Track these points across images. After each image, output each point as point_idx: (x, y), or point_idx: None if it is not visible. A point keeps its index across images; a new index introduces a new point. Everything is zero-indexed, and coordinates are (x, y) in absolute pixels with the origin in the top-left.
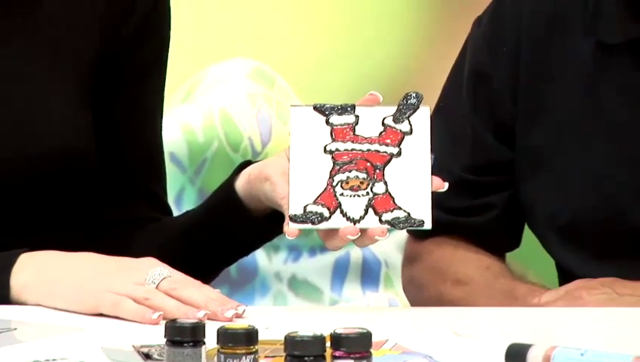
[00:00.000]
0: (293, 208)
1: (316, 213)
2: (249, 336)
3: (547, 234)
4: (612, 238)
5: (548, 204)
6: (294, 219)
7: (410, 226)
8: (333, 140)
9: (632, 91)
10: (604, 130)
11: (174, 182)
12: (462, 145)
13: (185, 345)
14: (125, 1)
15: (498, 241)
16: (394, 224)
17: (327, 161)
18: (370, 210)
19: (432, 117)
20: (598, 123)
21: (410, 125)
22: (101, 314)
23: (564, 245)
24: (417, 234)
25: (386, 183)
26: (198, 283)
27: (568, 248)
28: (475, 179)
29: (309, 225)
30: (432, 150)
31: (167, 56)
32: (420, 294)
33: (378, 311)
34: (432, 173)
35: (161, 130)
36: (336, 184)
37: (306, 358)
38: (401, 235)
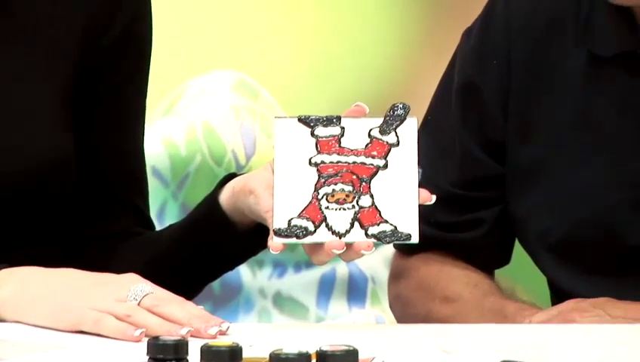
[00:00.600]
0: (278, 222)
1: (301, 226)
2: (233, 354)
3: (539, 251)
4: (605, 255)
5: (540, 221)
6: (279, 233)
7: (396, 240)
8: (319, 152)
9: (626, 104)
10: (598, 144)
11: (156, 196)
12: (450, 160)
13: None
14: (106, 11)
15: (487, 258)
16: (380, 238)
17: (313, 174)
18: (356, 224)
19: (419, 130)
20: (591, 137)
21: (397, 137)
22: (82, 332)
23: (557, 262)
24: (404, 250)
25: (372, 196)
26: (180, 299)
27: (560, 265)
28: (464, 194)
29: (293, 240)
30: (420, 163)
31: (148, 67)
32: (407, 311)
33: (365, 328)
34: (420, 187)
35: (142, 143)
36: (322, 197)
37: None
38: (388, 250)
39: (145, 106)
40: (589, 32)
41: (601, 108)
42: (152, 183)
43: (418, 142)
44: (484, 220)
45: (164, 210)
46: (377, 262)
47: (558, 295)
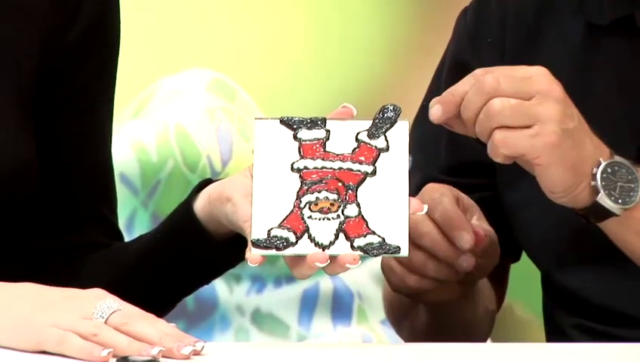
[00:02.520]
0: (257, 232)
1: (281, 237)
2: None
3: (530, 242)
4: (598, 244)
5: (530, 209)
6: (257, 244)
7: (384, 253)
8: (302, 157)
9: (625, 74)
10: (597, 119)
11: (125, 205)
12: (440, 145)
13: None
14: (69, 5)
15: None
16: (367, 250)
17: (295, 180)
18: (341, 235)
19: (414, 120)
20: (590, 112)
21: (387, 141)
22: (45, 352)
23: (548, 252)
24: None
25: (358, 205)
26: (151, 316)
27: (552, 255)
28: (450, 180)
29: (273, 251)
30: (410, 152)
31: (116, 66)
32: (384, 302)
33: (350, 347)
34: (410, 175)
35: (110, 147)
36: (304, 206)
37: None
38: (376, 263)
39: (112, 108)
40: (585, 1)
41: (600, 82)
42: (121, 191)
43: (409, 147)
44: None
45: (134, 220)
46: (364, 276)
47: (549, 288)
